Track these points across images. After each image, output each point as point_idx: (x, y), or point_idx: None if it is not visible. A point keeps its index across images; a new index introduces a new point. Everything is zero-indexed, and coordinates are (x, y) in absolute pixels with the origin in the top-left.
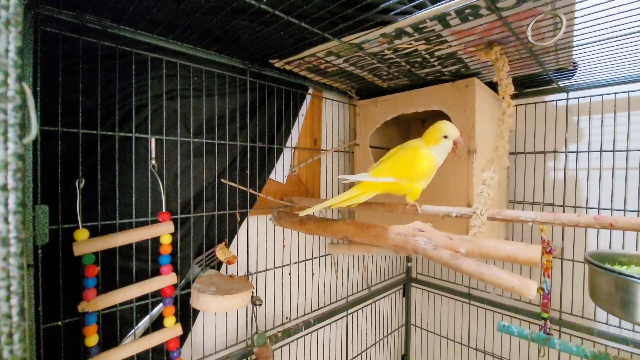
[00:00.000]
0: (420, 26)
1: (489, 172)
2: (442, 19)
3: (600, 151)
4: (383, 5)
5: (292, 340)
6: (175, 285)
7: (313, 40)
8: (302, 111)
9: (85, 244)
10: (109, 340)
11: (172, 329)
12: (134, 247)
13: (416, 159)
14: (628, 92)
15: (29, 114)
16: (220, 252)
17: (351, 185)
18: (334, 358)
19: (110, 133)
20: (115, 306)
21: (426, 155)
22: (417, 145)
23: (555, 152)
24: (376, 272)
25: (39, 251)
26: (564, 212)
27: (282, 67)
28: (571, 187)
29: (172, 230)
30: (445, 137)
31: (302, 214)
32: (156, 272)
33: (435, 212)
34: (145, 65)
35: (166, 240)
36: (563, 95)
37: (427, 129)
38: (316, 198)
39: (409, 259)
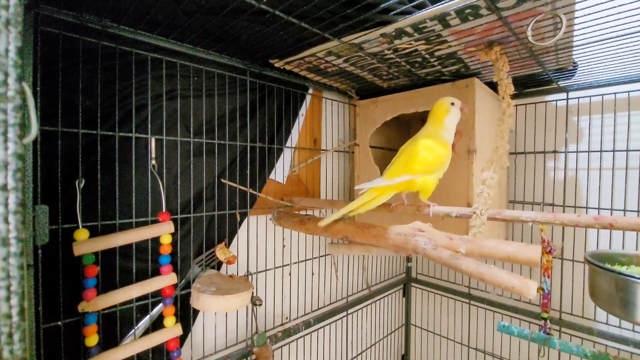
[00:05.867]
0: (420, 26)
1: (489, 172)
2: (442, 19)
3: (600, 151)
4: (383, 5)
5: (292, 340)
6: (175, 285)
7: (313, 40)
8: (302, 111)
9: (85, 244)
10: (109, 340)
11: (172, 329)
12: (134, 247)
13: (430, 149)
14: (628, 92)
15: (29, 114)
16: (220, 252)
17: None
18: (334, 358)
19: (110, 133)
20: (115, 306)
21: (438, 142)
22: (427, 134)
23: (555, 152)
24: (376, 272)
25: (39, 251)
26: (564, 212)
27: (282, 67)
28: (571, 187)
29: (172, 230)
30: (452, 104)
31: (322, 224)
32: (156, 272)
33: (436, 212)
34: (145, 65)
35: (166, 240)
36: (563, 95)
37: (428, 115)
38: (316, 198)
39: (409, 259)
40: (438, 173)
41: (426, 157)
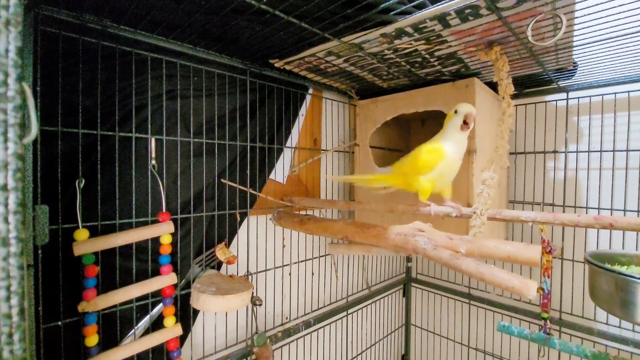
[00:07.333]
0: (420, 26)
1: (489, 172)
2: (442, 19)
3: (600, 151)
4: (383, 5)
5: (292, 340)
6: (175, 285)
7: (313, 40)
8: (302, 111)
9: (85, 244)
10: (109, 340)
11: (172, 329)
12: (134, 247)
13: (418, 152)
14: (628, 92)
15: (29, 114)
16: (220, 252)
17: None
18: (334, 358)
19: (110, 133)
20: (115, 306)
21: (430, 147)
22: (433, 138)
23: (555, 152)
24: (376, 272)
25: (39, 251)
26: (564, 212)
27: (282, 67)
28: (571, 187)
29: (172, 230)
30: (456, 112)
31: (335, 178)
32: (156, 272)
33: (436, 212)
34: (145, 65)
35: (166, 240)
36: (563, 95)
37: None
38: (316, 198)
39: (409, 259)
40: (430, 175)
41: (414, 159)
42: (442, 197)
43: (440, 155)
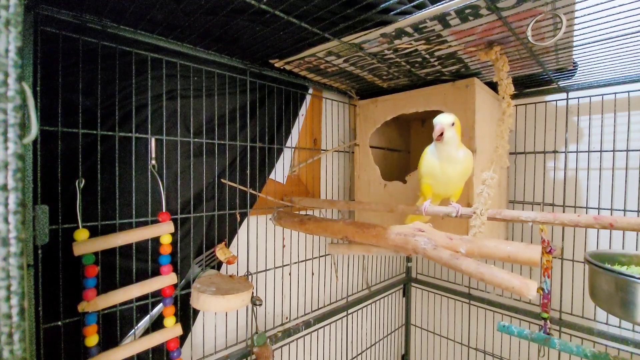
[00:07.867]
0: (420, 26)
1: (489, 172)
2: (442, 19)
3: (600, 151)
4: (383, 5)
5: (292, 340)
6: (175, 285)
7: (313, 40)
8: (302, 111)
9: (85, 244)
10: (109, 340)
11: (172, 329)
12: (134, 247)
13: None
14: (628, 92)
15: (29, 114)
16: (220, 252)
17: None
18: (334, 358)
19: (110, 133)
20: (115, 306)
21: (424, 155)
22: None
23: (555, 152)
24: (376, 272)
25: (39, 251)
26: (564, 212)
27: (282, 67)
28: (571, 187)
29: (172, 230)
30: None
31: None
32: (156, 272)
33: (435, 212)
34: (145, 65)
35: (166, 240)
36: (563, 95)
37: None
38: (316, 198)
39: (409, 259)
40: (423, 178)
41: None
42: (449, 201)
43: (422, 157)
